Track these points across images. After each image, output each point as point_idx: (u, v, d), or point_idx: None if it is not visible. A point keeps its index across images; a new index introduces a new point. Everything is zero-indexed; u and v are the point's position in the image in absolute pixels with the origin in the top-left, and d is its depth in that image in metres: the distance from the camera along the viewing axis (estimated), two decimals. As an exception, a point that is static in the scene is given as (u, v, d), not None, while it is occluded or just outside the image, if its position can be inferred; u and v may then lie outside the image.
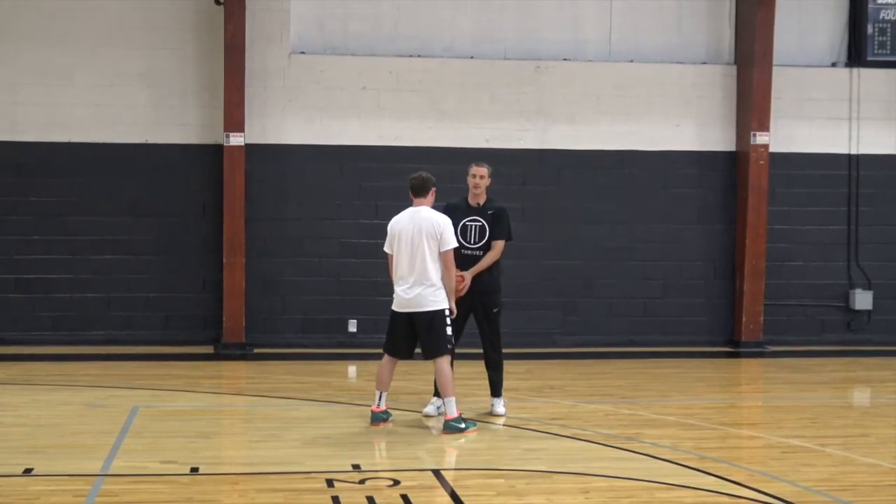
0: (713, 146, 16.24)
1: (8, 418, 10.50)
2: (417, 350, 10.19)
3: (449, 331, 9.93)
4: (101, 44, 15.21)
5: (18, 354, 14.41)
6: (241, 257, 15.10)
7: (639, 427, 10.40)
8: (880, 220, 16.52)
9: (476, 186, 10.56)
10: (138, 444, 9.34)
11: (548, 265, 15.88)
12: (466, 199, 10.65)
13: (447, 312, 9.93)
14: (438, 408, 10.65)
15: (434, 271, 9.83)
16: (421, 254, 9.81)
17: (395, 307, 10.04)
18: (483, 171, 10.57)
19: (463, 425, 9.85)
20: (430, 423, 10.33)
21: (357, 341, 15.35)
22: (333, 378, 13.36)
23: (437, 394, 10.73)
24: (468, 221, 10.49)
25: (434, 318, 9.87)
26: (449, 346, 9.96)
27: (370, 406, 10.29)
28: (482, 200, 10.59)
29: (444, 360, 9.92)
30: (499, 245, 10.51)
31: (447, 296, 9.94)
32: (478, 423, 10.13)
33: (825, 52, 16.62)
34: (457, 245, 9.98)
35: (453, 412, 9.88)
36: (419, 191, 10.05)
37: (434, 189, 10.13)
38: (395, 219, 10.09)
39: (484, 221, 10.49)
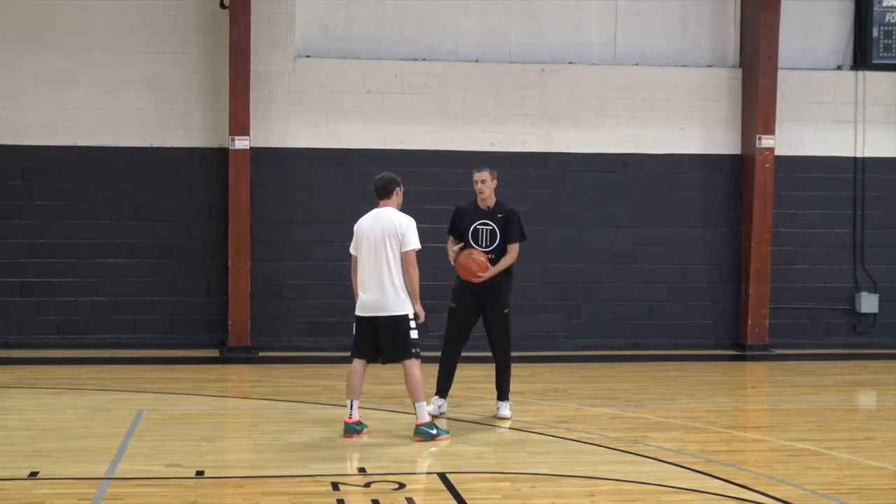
0: (718, 149, 16.23)
1: (13, 422, 10.51)
2: None
3: (414, 335, 9.70)
4: (105, 47, 15.22)
5: (23, 358, 14.42)
6: (246, 261, 15.10)
7: (644, 430, 10.39)
8: (886, 223, 16.50)
9: (481, 192, 10.55)
10: (143, 448, 9.34)
11: (552, 268, 15.87)
12: (476, 202, 10.63)
13: (411, 317, 9.71)
14: (439, 407, 10.65)
15: (397, 274, 9.63)
16: (384, 256, 9.63)
17: (358, 311, 9.81)
18: (484, 175, 10.53)
19: (434, 431, 9.67)
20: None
21: (362, 345, 15.32)
22: (338, 381, 13.33)
23: (438, 393, 10.71)
24: (479, 225, 10.50)
25: (397, 323, 9.65)
26: (414, 351, 9.72)
27: (374, 409, 10.25)
28: (491, 203, 10.58)
29: (413, 364, 9.70)
30: (514, 248, 10.54)
31: (412, 299, 9.73)
32: (450, 433, 9.90)
33: (830, 55, 16.61)
34: (419, 247, 9.75)
35: (424, 417, 9.71)
36: (383, 192, 9.88)
37: (399, 189, 9.92)
38: (359, 222, 9.91)
39: (494, 225, 10.49)
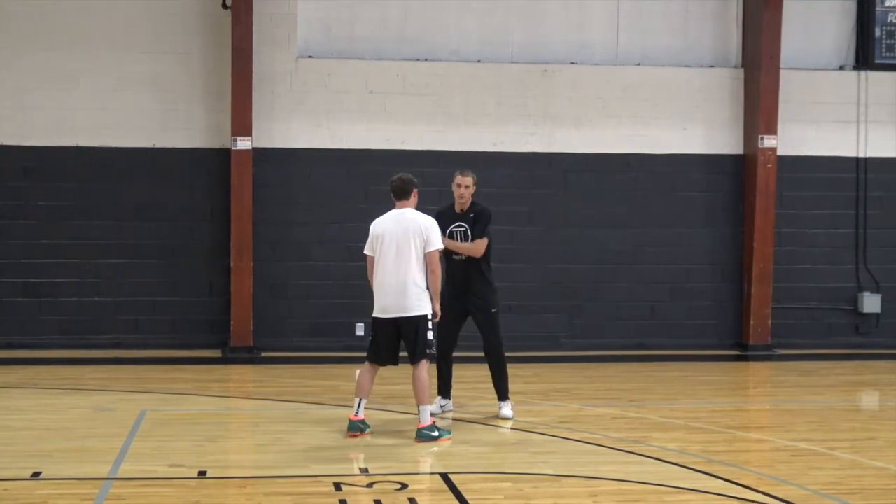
0: (720, 149, 16.23)
1: (16, 422, 10.51)
2: (403, 353, 10.01)
3: (430, 335, 9.76)
4: (108, 48, 15.23)
5: (26, 358, 14.43)
6: (248, 261, 15.11)
7: (646, 430, 10.39)
8: (888, 222, 16.49)
9: (461, 196, 10.57)
10: (146, 448, 9.34)
11: (555, 268, 15.86)
12: (452, 205, 10.68)
13: (430, 317, 9.77)
14: (442, 406, 10.66)
15: (419, 274, 9.66)
16: (408, 256, 9.64)
17: (378, 314, 9.80)
18: (468, 180, 10.56)
19: (436, 433, 9.66)
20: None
21: (364, 345, 15.15)
22: (341, 381, 13.35)
23: (440, 392, 10.71)
24: (454, 228, 10.55)
25: (419, 324, 9.69)
26: (428, 352, 9.76)
27: (377, 410, 10.25)
28: (466, 206, 10.62)
29: (423, 366, 9.72)
30: (477, 242, 10.49)
31: (431, 298, 9.79)
32: (451, 433, 9.91)
33: (833, 55, 16.60)
34: (443, 247, 9.87)
35: (427, 420, 9.69)
36: (401, 193, 9.89)
37: (416, 191, 9.96)
38: (377, 221, 9.91)
39: (467, 226, 10.53)
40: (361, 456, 9.26)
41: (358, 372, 10.09)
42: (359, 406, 9.86)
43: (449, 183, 15.33)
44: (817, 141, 16.37)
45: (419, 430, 9.68)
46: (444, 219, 10.59)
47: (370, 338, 9.97)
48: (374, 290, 9.81)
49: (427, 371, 9.77)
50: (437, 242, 9.75)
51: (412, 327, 9.71)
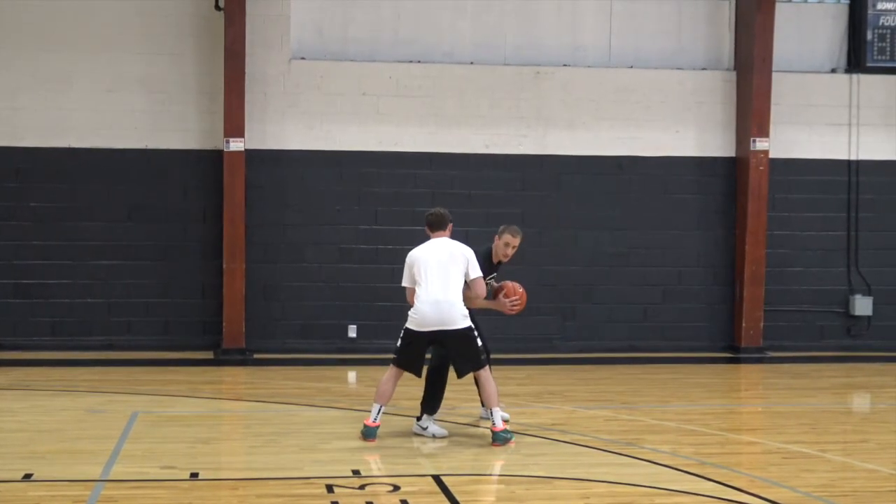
0: (713, 152, 16.25)
1: (7, 424, 10.49)
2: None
3: (479, 342, 9.83)
4: (101, 49, 15.22)
5: (18, 360, 14.41)
6: (240, 263, 15.10)
7: (639, 433, 10.40)
8: (880, 225, 16.53)
9: (506, 256, 10.47)
10: (138, 450, 9.34)
11: (547, 271, 15.87)
12: (490, 253, 10.44)
13: (473, 327, 9.83)
14: (424, 428, 10.51)
15: (460, 293, 9.72)
16: (453, 275, 9.68)
17: (415, 327, 9.73)
18: (518, 241, 10.46)
19: (510, 436, 9.72)
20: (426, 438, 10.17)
21: (357, 346, 15.35)
22: (333, 383, 13.36)
23: (423, 412, 10.51)
24: (489, 279, 10.38)
25: (465, 336, 9.70)
26: (483, 357, 9.84)
27: (368, 411, 10.22)
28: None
29: (486, 372, 9.80)
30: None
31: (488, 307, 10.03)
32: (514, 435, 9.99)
33: (825, 58, 16.64)
34: (482, 275, 9.86)
35: (500, 424, 9.71)
36: (437, 225, 9.99)
37: (451, 225, 10.05)
38: (413, 250, 9.90)
39: (495, 277, 10.52)
40: (353, 458, 9.25)
41: (382, 378, 10.01)
42: (378, 413, 9.83)
43: (441, 184, 15.34)
44: (809, 144, 16.40)
45: (495, 434, 9.68)
46: (487, 269, 10.29)
47: (400, 345, 9.87)
48: (416, 307, 9.72)
49: (491, 376, 9.81)
50: (478, 270, 9.82)
51: (459, 340, 9.71)
